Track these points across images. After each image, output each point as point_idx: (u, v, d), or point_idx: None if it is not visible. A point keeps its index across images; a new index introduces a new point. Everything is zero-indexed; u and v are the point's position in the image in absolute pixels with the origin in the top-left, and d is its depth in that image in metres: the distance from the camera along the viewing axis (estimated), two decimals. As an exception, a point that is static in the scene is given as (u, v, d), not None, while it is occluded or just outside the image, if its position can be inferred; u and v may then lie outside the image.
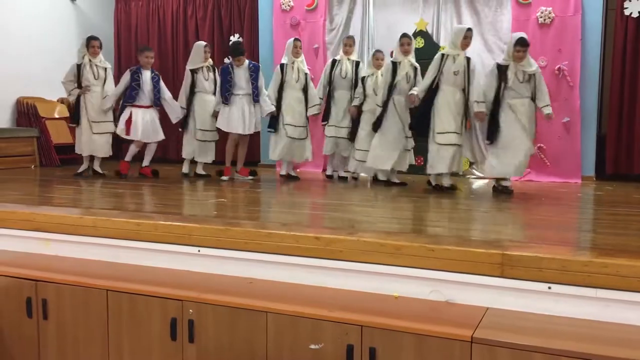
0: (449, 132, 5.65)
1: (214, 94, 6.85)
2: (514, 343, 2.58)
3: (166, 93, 6.94)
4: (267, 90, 6.78)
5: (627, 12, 6.84)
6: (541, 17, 7.00)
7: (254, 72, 6.61)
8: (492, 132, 5.61)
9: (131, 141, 6.87)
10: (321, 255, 3.31)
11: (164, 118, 7.05)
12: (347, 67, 6.72)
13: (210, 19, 8.85)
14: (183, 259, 3.68)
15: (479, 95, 5.67)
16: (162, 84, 6.94)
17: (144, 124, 6.71)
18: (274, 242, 3.43)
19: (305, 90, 6.79)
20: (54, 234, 4.05)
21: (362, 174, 6.77)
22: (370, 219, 4.31)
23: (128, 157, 6.93)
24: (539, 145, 6.76)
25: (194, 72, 6.84)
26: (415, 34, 7.38)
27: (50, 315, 3.57)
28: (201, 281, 3.45)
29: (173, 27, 9.14)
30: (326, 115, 6.83)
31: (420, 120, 5.87)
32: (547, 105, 5.59)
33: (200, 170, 7.06)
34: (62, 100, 8.80)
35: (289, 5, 8.11)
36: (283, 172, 6.97)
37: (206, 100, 6.83)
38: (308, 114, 6.85)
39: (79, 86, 6.80)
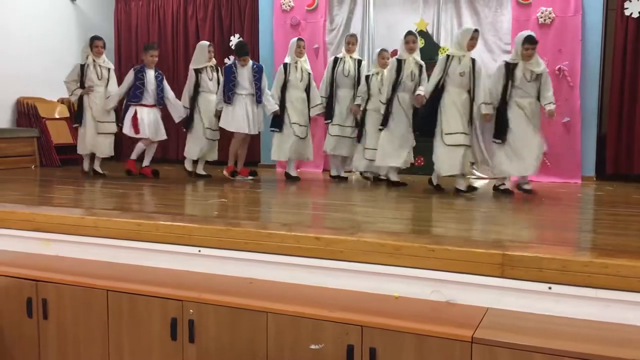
0: (457, 133, 5.60)
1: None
2: (514, 343, 2.58)
3: (169, 92, 6.95)
4: (270, 90, 6.78)
5: (627, 13, 6.84)
6: (541, 18, 7.00)
7: (257, 73, 6.61)
8: (502, 131, 5.55)
9: (136, 140, 6.87)
10: (321, 256, 3.31)
11: (164, 118, 7.04)
12: (349, 65, 6.72)
13: (211, 19, 8.85)
14: (183, 259, 3.68)
15: (485, 96, 5.65)
16: (165, 83, 6.94)
17: (149, 123, 6.71)
18: (275, 242, 3.43)
19: (307, 90, 6.78)
20: (55, 234, 4.05)
21: (378, 174, 6.70)
22: (371, 219, 4.31)
23: (134, 156, 6.91)
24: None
25: (198, 71, 6.83)
26: (415, 34, 7.38)
27: (51, 315, 3.57)
28: (202, 281, 3.45)
29: (173, 27, 9.15)
30: (329, 114, 6.82)
31: (425, 121, 5.83)
32: (551, 102, 5.56)
33: (200, 170, 7.06)
34: (62, 101, 8.81)
35: (289, 6, 8.11)
36: (294, 173, 6.91)
37: (210, 100, 6.83)
38: (311, 114, 6.85)
39: (82, 86, 6.80)
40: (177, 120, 7.03)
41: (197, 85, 6.82)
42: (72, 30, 9.18)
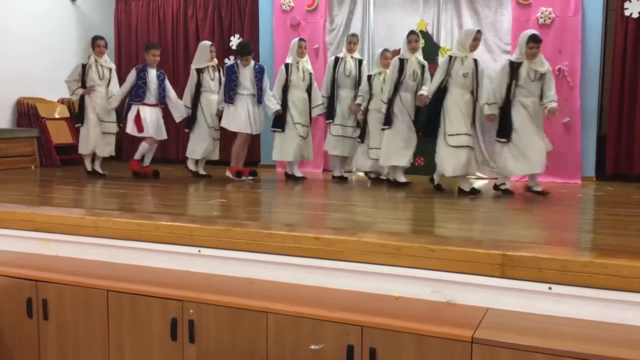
0: (460, 134, 5.58)
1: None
2: (515, 343, 2.58)
3: (171, 92, 6.93)
4: (272, 91, 6.77)
5: (627, 13, 6.84)
6: (541, 18, 7.00)
7: (259, 73, 6.61)
8: (506, 131, 5.54)
9: (138, 140, 6.86)
10: (322, 256, 3.31)
11: (163, 117, 7.03)
12: (350, 65, 6.72)
13: (211, 19, 8.85)
14: (184, 260, 3.68)
15: (488, 97, 5.63)
16: (167, 82, 6.93)
17: (151, 122, 6.70)
18: (275, 242, 3.43)
19: (309, 90, 6.78)
20: (55, 234, 4.05)
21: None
22: (371, 219, 4.31)
23: (138, 156, 6.87)
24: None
25: (199, 71, 6.83)
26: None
27: (51, 315, 3.57)
28: (202, 281, 3.45)
29: (173, 28, 9.15)
30: (330, 114, 6.81)
31: (428, 122, 5.82)
32: (553, 101, 5.53)
33: (201, 170, 7.06)
34: (62, 101, 8.81)
35: (289, 6, 8.11)
36: (299, 174, 6.89)
37: (212, 99, 6.83)
38: (312, 114, 6.84)
39: (83, 86, 6.79)
40: (177, 120, 7.02)
41: (198, 85, 6.81)
42: (72, 30, 9.18)
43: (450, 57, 5.73)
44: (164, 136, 6.95)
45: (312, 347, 2.93)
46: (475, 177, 7.32)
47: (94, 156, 7.06)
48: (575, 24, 6.91)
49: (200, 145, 6.88)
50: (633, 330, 2.69)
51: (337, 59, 6.79)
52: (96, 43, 6.82)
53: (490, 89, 5.71)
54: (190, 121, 6.88)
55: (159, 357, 3.31)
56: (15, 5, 8.41)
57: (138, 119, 6.61)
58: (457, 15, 7.54)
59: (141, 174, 6.82)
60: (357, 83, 6.72)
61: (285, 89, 6.69)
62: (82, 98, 6.84)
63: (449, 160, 5.62)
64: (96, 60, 6.81)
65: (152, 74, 6.75)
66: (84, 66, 6.79)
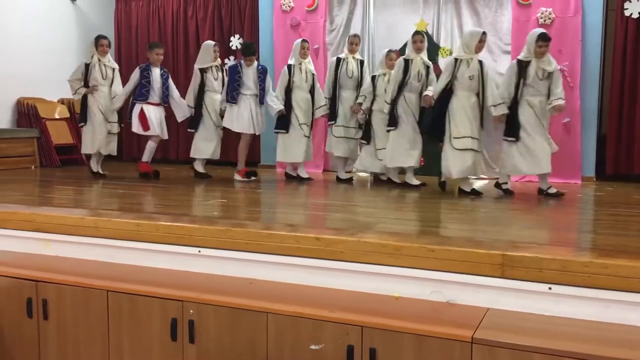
0: (465, 137, 5.54)
1: None
2: (515, 344, 2.58)
3: (174, 91, 6.92)
4: (275, 92, 6.76)
5: (627, 13, 6.84)
6: (541, 18, 7.00)
7: (262, 74, 6.61)
8: (514, 130, 5.51)
9: (142, 140, 6.84)
10: (322, 256, 3.31)
11: (165, 117, 7.02)
12: (352, 66, 6.70)
13: (211, 20, 8.85)
14: (183, 260, 3.68)
15: (494, 99, 5.59)
16: (170, 81, 6.92)
17: (156, 120, 6.69)
18: (275, 242, 3.43)
19: (312, 91, 6.77)
20: (55, 235, 4.05)
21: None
22: (371, 220, 4.31)
23: (146, 157, 6.83)
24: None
25: (203, 71, 6.82)
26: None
27: (51, 315, 3.57)
28: (202, 282, 3.45)
29: (173, 28, 9.15)
30: (332, 115, 6.78)
31: (433, 124, 5.77)
32: (560, 98, 5.51)
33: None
34: (62, 101, 8.81)
35: (289, 6, 8.11)
36: (304, 175, 6.84)
37: (215, 99, 6.83)
38: (315, 115, 6.83)
39: (86, 85, 6.78)
40: (180, 119, 7.02)
41: (202, 84, 6.81)
42: (72, 30, 9.18)
43: (456, 59, 5.67)
44: (166, 136, 6.95)
45: (312, 347, 2.93)
46: (475, 177, 7.32)
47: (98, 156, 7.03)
48: (575, 24, 6.91)
49: (207, 145, 6.87)
50: (633, 330, 2.69)
51: (338, 60, 6.77)
52: (99, 42, 6.81)
53: (495, 91, 5.66)
54: (195, 121, 6.87)
55: (159, 357, 3.31)
56: (15, 5, 8.41)
57: (143, 117, 6.58)
58: (457, 16, 7.54)
59: (151, 176, 6.78)
60: (359, 84, 6.71)
61: (288, 90, 6.67)
62: (84, 98, 6.82)
63: (454, 163, 5.58)
64: (99, 60, 6.80)
65: (156, 73, 6.74)
66: (87, 65, 6.77)
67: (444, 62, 7.35)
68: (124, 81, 6.96)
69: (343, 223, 4.11)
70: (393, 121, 6.10)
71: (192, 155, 7.02)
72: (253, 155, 8.05)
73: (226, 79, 6.74)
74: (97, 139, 6.82)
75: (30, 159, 8.24)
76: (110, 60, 6.96)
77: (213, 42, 7.00)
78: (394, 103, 6.08)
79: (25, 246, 4.13)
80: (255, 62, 6.64)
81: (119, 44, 9.55)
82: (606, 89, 7.26)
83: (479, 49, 5.69)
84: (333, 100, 6.76)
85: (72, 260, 3.93)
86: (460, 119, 5.57)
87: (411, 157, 6.09)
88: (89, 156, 7.23)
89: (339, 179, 6.89)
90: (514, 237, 3.63)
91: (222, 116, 6.74)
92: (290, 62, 6.76)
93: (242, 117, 6.54)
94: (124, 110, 6.98)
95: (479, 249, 3.05)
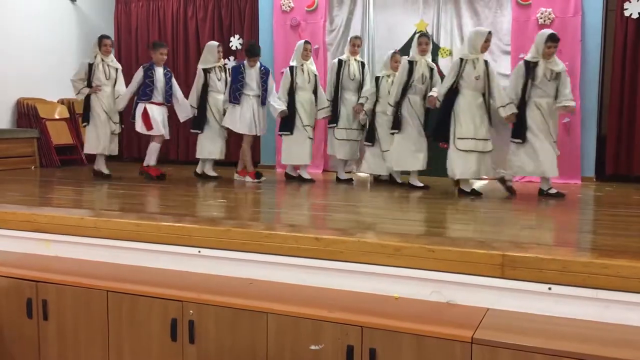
0: (468, 139, 5.50)
1: None
2: (515, 344, 2.58)
3: (178, 91, 6.88)
4: (277, 93, 6.74)
5: (627, 13, 6.84)
6: (541, 18, 7.00)
7: (264, 75, 6.59)
8: (522, 131, 5.49)
9: (143, 139, 6.82)
10: (321, 256, 3.31)
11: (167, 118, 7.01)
12: (354, 68, 6.69)
13: (211, 20, 8.85)
14: (183, 260, 3.68)
15: (502, 99, 5.54)
16: (174, 81, 6.88)
17: (159, 120, 6.67)
18: (275, 243, 3.43)
19: (315, 92, 6.76)
20: (55, 235, 4.05)
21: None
22: (371, 220, 4.32)
23: (152, 161, 6.76)
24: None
25: (206, 71, 6.81)
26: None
27: (51, 316, 3.57)
28: (201, 282, 3.45)
29: (173, 28, 9.15)
30: (334, 117, 6.75)
31: (438, 125, 5.72)
32: (571, 100, 5.51)
33: (201, 170, 7.06)
34: (62, 101, 8.81)
35: (289, 6, 8.10)
36: (307, 176, 6.80)
37: (219, 99, 6.82)
38: (318, 117, 6.81)
39: (89, 85, 6.77)
40: (182, 119, 7.00)
41: (205, 85, 6.80)
42: (72, 31, 9.18)
43: (462, 59, 5.62)
44: (168, 136, 6.95)
45: (312, 347, 2.93)
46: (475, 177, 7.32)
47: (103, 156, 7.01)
48: (575, 24, 6.91)
49: (214, 146, 6.86)
50: (633, 330, 2.69)
51: (340, 62, 6.74)
52: (103, 42, 6.80)
53: (503, 91, 5.61)
54: (199, 122, 6.84)
55: (159, 357, 3.31)
56: (15, 5, 8.41)
57: (146, 116, 6.55)
58: (457, 16, 7.54)
59: (163, 176, 6.73)
60: (361, 86, 6.70)
61: (291, 92, 6.63)
62: (87, 98, 6.80)
63: (457, 163, 5.55)
64: (103, 60, 6.79)
65: (159, 72, 6.71)
66: (90, 65, 6.76)
67: (443, 62, 7.37)
68: (126, 81, 6.94)
69: (343, 223, 4.11)
70: (397, 124, 6.06)
71: (199, 156, 6.99)
72: (253, 155, 8.03)
73: (229, 79, 6.73)
74: (102, 139, 6.81)
75: (30, 160, 8.23)
76: (113, 60, 6.95)
77: (217, 43, 6.99)
78: (397, 106, 6.05)
79: (25, 246, 4.13)
80: (258, 63, 6.63)
81: (118, 44, 9.53)
82: (606, 89, 7.26)
83: (484, 48, 5.64)
84: (335, 103, 6.74)
85: (72, 261, 3.93)
86: (465, 119, 5.52)
87: (417, 160, 6.04)
88: (91, 156, 7.21)
89: (338, 180, 6.87)
90: (514, 237, 3.63)
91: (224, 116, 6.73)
92: (292, 63, 6.73)
93: (245, 119, 6.53)
94: (126, 110, 6.97)
95: (479, 249, 3.05)
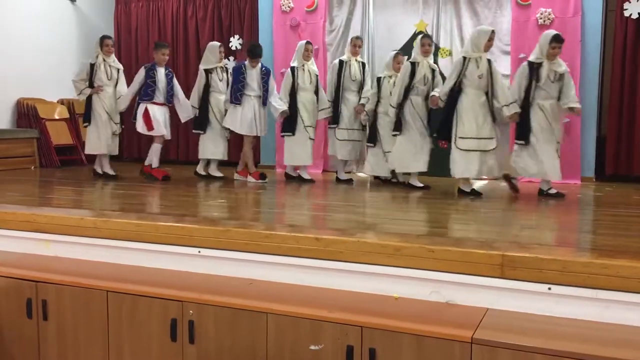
0: (470, 138, 5.49)
1: None
2: (515, 344, 2.58)
3: (179, 91, 6.87)
4: (278, 93, 6.73)
5: (626, 13, 6.84)
6: (541, 19, 7.00)
7: (265, 76, 6.59)
8: (525, 133, 5.47)
9: (144, 139, 6.81)
10: (321, 256, 3.31)
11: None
12: (355, 69, 6.68)
13: (211, 20, 8.85)
14: (183, 260, 3.68)
15: (505, 98, 5.51)
16: (175, 81, 6.87)
17: (161, 120, 6.66)
18: (275, 243, 3.43)
19: (316, 92, 6.74)
20: (55, 235, 4.05)
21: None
22: (371, 220, 4.32)
23: (155, 163, 6.74)
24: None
25: (208, 72, 6.81)
26: (415, 36, 7.38)
27: (51, 316, 3.57)
28: (201, 282, 3.45)
29: (173, 28, 9.14)
30: (335, 118, 6.74)
31: (442, 125, 5.70)
32: (576, 101, 5.50)
33: (201, 170, 7.05)
34: (62, 101, 8.81)
35: (289, 7, 8.10)
36: (307, 177, 6.77)
37: (221, 100, 6.82)
38: (319, 117, 6.79)
39: (91, 85, 6.77)
40: (183, 120, 6.99)
41: (207, 85, 6.80)
42: (72, 31, 9.18)
43: (464, 58, 5.61)
44: (169, 136, 6.94)
45: (312, 347, 2.93)
46: (475, 178, 7.32)
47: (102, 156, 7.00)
48: (575, 24, 6.91)
49: (217, 146, 6.87)
50: (633, 330, 2.69)
51: (341, 63, 6.72)
52: (104, 42, 6.79)
53: (507, 91, 5.60)
54: (201, 122, 6.84)
55: (159, 357, 3.31)
56: (15, 5, 8.41)
57: (147, 117, 6.54)
58: (457, 16, 7.54)
59: (169, 176, 6.70)
60: (362, 86, 6.69)
61: (293, 92, 6.62)
62: (89, 98, 6.78)
63: (458, 163, 5.54)
64: (104, 60, 6.78)
65: (161, 72, 6.70)
66: (92, 66, 6.75)
67: (443, 62, 7.37)
68: (127, 81, 6.94)
69: (343, 223, 4.11)
70: (398, 126, 6.03)
71: (202, 157, 6.99)
72: (253, 155, 8.04)
73: (230, 79, 6.72)
74: (103, 139, 6.80)
75: (30, 160, 8.23)
76: (115, 60, 6.95)
77: (219, 43, 6.98)
78: (399, 107, 6.03)
79: (25, 247, 4.13)
80: (260, 64, 6.63)
81: (118, 44, 9.50)
82: (606, 89, 7.26)
83: (488, 47, 5.63)
84: (336, 103, 6.73)
85: (72, 261, 3.93)
86: (468, 118, 5.51)
87: (420, 163, 6.02)
88: (90, 157, 7.21)
89: (338, 180, 6.87)
90: (513, 237, 3.64)
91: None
92: (293, 64, 6.72)
93: (246, 119, 6.52)
94: (127, 110, 6.95)
95: (479, 249, 3.05)
